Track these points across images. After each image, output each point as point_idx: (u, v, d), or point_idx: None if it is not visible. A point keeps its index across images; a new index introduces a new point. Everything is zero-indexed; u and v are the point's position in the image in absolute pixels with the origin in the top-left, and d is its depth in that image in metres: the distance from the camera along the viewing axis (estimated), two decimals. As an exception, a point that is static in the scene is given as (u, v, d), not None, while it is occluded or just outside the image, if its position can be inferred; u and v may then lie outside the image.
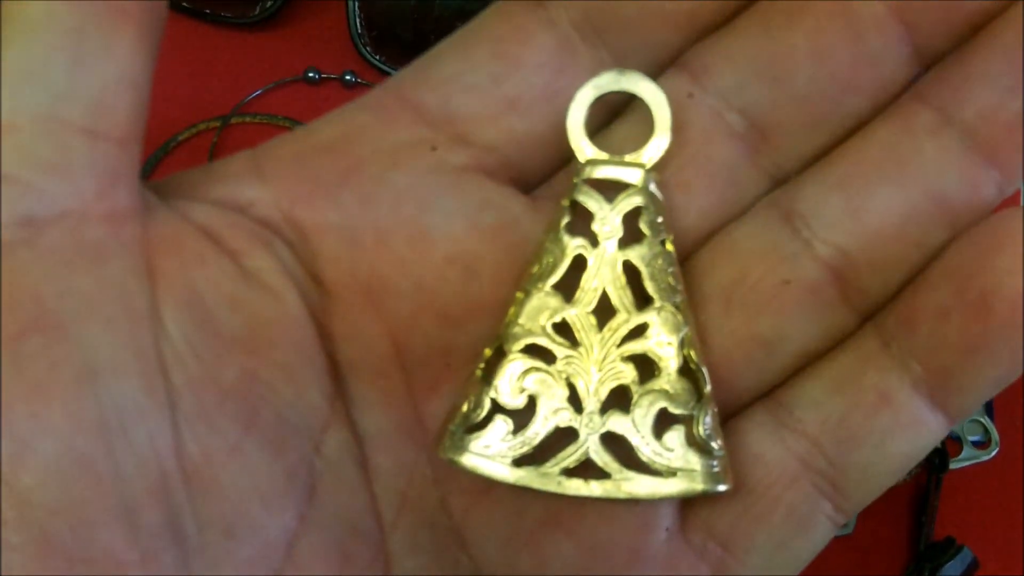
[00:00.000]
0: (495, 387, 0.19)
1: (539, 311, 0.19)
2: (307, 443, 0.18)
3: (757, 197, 0.20)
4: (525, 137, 0.20)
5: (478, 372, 0.19)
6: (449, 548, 0.19)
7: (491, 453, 0.18)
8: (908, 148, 0.18)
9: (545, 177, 0.21)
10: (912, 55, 0.19)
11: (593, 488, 0.18)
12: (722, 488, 0.18)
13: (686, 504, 0.19)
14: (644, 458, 0.19)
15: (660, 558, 0.19)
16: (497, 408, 0.19)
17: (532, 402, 0.19)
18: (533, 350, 0.19)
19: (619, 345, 0.19)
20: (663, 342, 0.19)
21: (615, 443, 0.19)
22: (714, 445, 0.19)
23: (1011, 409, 0.48)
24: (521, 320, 0.19)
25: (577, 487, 0.18)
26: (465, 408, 0.19)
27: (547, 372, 0.19)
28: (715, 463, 0.19)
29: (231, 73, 0.51)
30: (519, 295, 0.19)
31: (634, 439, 0.18)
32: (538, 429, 0.19)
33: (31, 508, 0.14)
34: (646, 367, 0.19)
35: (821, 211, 0.19)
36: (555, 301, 0.19)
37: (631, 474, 0.18)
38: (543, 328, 0.19)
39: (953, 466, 0.47)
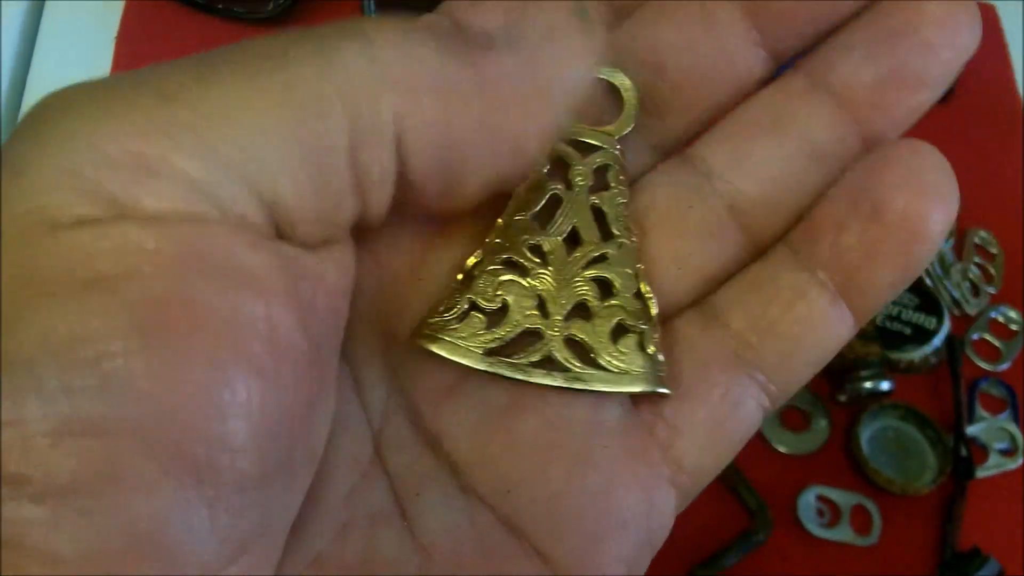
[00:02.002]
0: (473, 288, 0.21)
1: (518, 232, 0.22)
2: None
3: (648, 164, 0.23)
4: None
5: (458, 277, 0.21)
6: (428, 445, 0.21)
7: (464, 344, 0.21)
8: (785, 108, 0.22)
9: None
10: (767, 57, 0.22)
11: (555, 378, 0.21)
12: (664, 390, 0.21)
13: None
14: (601, 360, 0.21)
15: (617, 430, 0.21)
16: (473, 307, 0.21)
17: (505, 307, 0.21)
18: (510, 264, 0.21)
19: (584, 268, 0.22)
20: (621, 270, 0.22)
21: (575, 347, 0.21)
22: (660, 357, 0.21)
23: (1038, 416, 0.48)
24: (501, 239, 0.22)
25: (541, 376, 0.21)
26: (443, 306, 0.21)
27: (521, 283, 0.21)
28: (660, 370, 0.21)
29: (244, 70, 0.51)
30: (499, 221, 0.22)
31: (592, 342, 0.21)
32: (509, 328, 0.21)
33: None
34: (605, 290, 0.22)
35: (716, 157, 0.22)
36: (532, 226, 0.22)
37: (590, 370, 0.21)
38: (520, 246, 0.21)
39: (979, 474, 0.46)
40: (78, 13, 0.52)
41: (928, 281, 0.50)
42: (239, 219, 0.16)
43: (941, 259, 0.51)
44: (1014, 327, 0.50)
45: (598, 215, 0.22)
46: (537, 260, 0.22)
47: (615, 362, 0.21)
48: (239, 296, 0.15)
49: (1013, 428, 0.47)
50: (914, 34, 0.21)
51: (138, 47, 0.50)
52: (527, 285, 0.21)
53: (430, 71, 0.17)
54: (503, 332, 0.21)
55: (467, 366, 0.21)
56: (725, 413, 0.21)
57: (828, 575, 0.43)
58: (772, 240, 0.22)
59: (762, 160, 0.22)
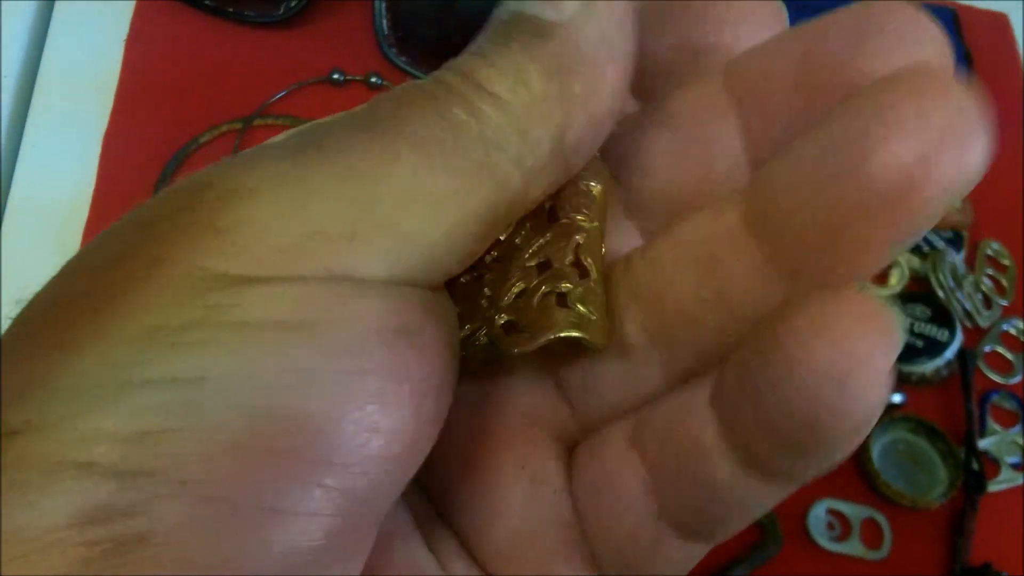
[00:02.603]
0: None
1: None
2: None
3: None
4: None
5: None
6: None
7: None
8: (717, 247, 0.21)
9: None
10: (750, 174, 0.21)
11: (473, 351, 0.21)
12: (578, 334, 0.20)
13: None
14: (521, 325, 0.20)
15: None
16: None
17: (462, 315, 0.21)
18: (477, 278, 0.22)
19: (528, 258, 0.21)
20: (558, 245, 0.21)
21: (509, 328, 0.21)
22: (583, 307, 0.20)
23: (1050, 430, 0.47)
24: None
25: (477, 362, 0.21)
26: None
27: (477, 296, 0.21)
28: (585, 321, 0.20)
29: (254, 73, 0.50)
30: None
31: (519, 316, 0.21)
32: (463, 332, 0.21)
33: None
34: (544, 269, 0.21)
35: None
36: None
37: (510, 337, 0.21)
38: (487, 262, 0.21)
39: (990, 488, 0.45)
40: (87, 15, 0.51)
41: (940, 293, 0.49)
42: (416, 286, 0.17)
43: (953, 271, 0.50)
44: (1026, 340, 0.50)
45: (550, 212, 0.22)
46: (493, 266, 0.22)
47: (533, 324, 0.21)
48: (410, 352, 0.17)
49: (1025, 442, 0.47)
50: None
51: (148, 49, 0.50)
52: (479, 295, 0.22)
53: (544, 101, 0.18)
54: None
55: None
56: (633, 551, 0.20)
57: (838, 589, 0.43)
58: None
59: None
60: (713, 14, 0.22)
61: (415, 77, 0.52)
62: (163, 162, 0.47)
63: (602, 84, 0.19)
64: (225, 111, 0.49)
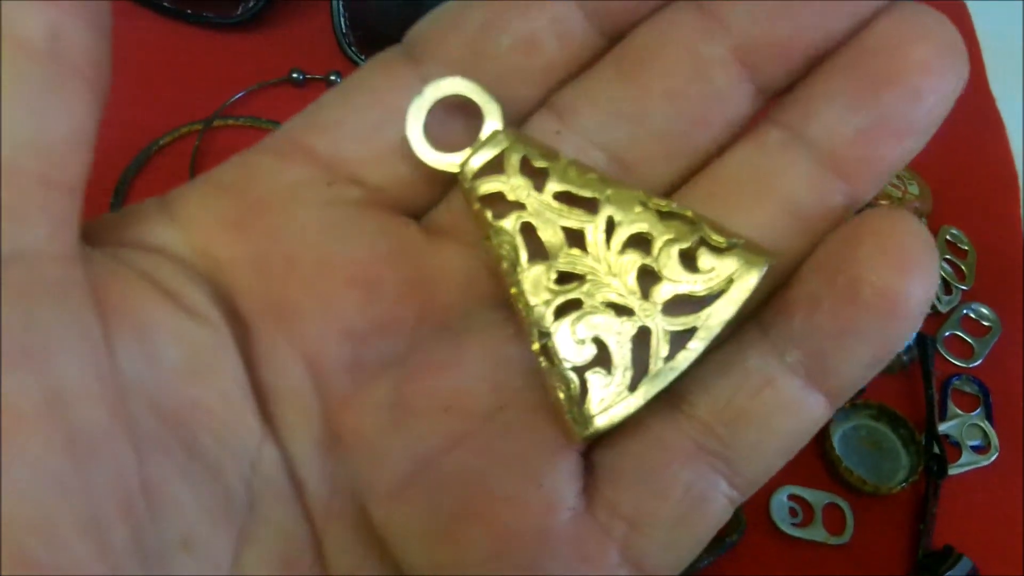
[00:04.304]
0: (564, 359, 0.20)
1: (537, 283, 0.21)
2: (244, 463, 0.20)
3: None
4: (409, 178, 0.22)
5: (543, 365, 0.20)
6: (374, 548, 0.21)
7: (611, 401, 0.20)
8: (763, 165, 0.21)
9: (432, 205, 0.23)
10: (755, 92, 0.21)
11: (695, 346, 0.20)
12: (771, 261, 0.20)
13: (591, 485, 0.21)
14: (702, 293, 0.20)
15: (568, 537, 0.20)
16: (582, 370, 0.20)
17: (598, 341, 0.20)
18: (560, 310, 0.20)
19: (608, 245, 0.20)
20: (630, 215, 0.20)
21: (680, 307, 0.20)
22: (734, 241, 0.20)
23: (1011, 413, 0.48)
24: (532, 303, 0.20)
25: (686, 356, 0.20)
26: (562, 395, 0.20)
27: (584, 310, 0.20)
28: (749, 248, 0.20)
29: (213, 75, 0.50)
30: (512, 291, 0.21)
31: (682, 286, 0.20)
32: (622, 351, 0.20)
33: (11, 528, 0.15)
34: (641, 241, 0.21)
35: None
36: (539, 267, 0.21)
37: (706, 311, 0.20)
38: (550, 290, 0.20)
39: (952, 472, 0.46)
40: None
41: (900, 280, 0.50)
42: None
43: (913, 257, 0.51)
44: (986, 324, 0.50)
45: (568, 199, 0.21)
46: (572, 284, 0.20)
47: (712, 282, 0.20)
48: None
49: (986, 425, 0.48)
50: (900, 81, 0.19)
51: (106, 53, 0.50)
52: (590, 306, 0.20)
53: None
54: (621, 359, 0.20)
55: (636, 413, 0.20)
56: (689, 509, 0.20)
57: (801, 575, 0.43)
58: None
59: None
60: None
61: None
62: (123, 165, 0.46)
63: None
64: (184, 113, 0.48)
